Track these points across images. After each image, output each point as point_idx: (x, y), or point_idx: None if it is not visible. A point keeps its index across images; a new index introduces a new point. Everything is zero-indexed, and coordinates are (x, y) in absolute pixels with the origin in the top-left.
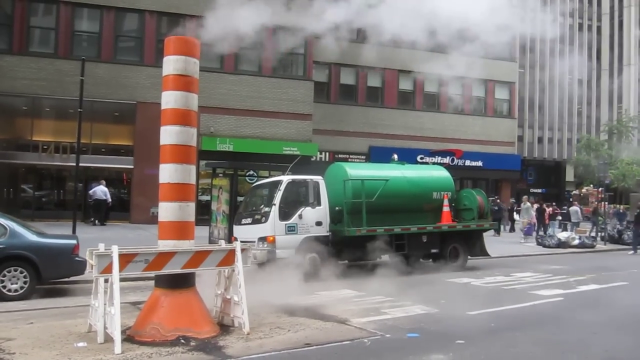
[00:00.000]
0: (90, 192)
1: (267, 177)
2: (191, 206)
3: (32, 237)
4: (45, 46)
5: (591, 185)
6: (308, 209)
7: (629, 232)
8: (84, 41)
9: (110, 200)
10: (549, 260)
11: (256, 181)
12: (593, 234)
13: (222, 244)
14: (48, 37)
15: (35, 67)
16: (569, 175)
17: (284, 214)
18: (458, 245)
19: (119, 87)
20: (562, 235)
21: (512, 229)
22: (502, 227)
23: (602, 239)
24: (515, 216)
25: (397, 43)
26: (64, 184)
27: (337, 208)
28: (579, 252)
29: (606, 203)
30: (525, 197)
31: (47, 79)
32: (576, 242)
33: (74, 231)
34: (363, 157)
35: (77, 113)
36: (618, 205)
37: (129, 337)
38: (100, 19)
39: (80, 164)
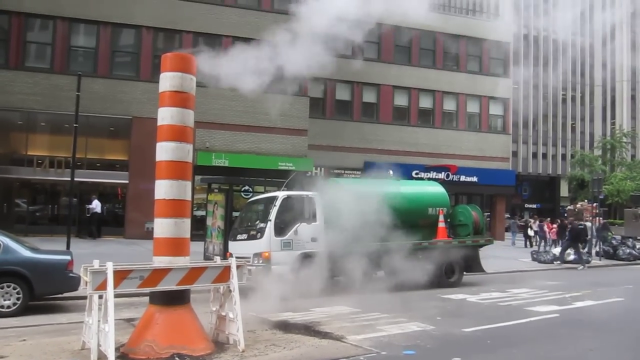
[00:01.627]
0: (93, 205)
1: (262, 193)
2: (187, 222)
3: (26, 253)
4: (41, 61)
5: (585, 201)
6: (304, 224)
7: (623, 248)
8: (80, 56)
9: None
10: (545, 276)
11: (251, 196)
12: (586, 250)
13: (217, 260)
14: (44, 52)
15: (31, 82)
16: (563, 191)
17: (280, 230)
18: (454, 261)
19: (114, 102)
20: (557, 251)
21: (530, 244)
22: None
23: (597, 254)
24: (530, 232)
25: (392, 59)
26: (58, 199)
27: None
28: (574, 268)
29: (601, 218)
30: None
31: (42, 93)
32: (571, 257)
33: (68, 247)
34: (358, 172)
35: (72, 128)
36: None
37: (122, 355)
38: (96, 35)
39: (75, 179)
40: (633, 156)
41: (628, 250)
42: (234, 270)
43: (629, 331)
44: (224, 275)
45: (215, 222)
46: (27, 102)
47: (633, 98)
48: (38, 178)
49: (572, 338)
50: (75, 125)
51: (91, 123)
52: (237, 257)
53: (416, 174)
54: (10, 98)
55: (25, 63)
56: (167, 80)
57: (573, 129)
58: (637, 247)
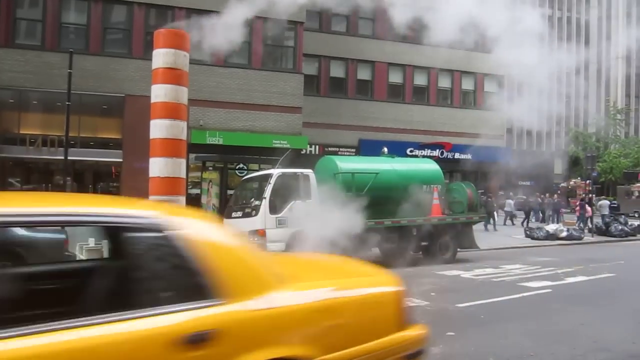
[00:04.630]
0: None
1: (257, 171)
2: (181, 200)
3: (20, 231)
4: (32, 38)
5: (579, 178)
6: (298, 202)
7: (615, 224)
8: (71, 33)
9: None
10: (538, 252)
11: (246, 174)
12: (580, 226)
13: None
14: (35, 29)
15: (22, 60)
16: (557, 168)
17: (275, 208)
18: (448, 237)
19: (107, 80)
20: (550, 227)
21: (543, 220)
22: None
23: (590, 231)
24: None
25: (385, 36)
26: (52, 178)
27: None
28: (567, 244)
29: (594, 195)
30: None
31: (34, 71)
32: (564, 234)
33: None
34: (353, 150)
35: (64, 106)
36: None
37: None
38: (87, 11)
39: (69, 158)
40: (627, 133)
41: (620, 227)
42: None
43: (620, 306)
44: None
45: (210, 200)
46: (18, 80)
47: (627, 75)
48: (31, 157)
49: (564, 313)
50: (67, 103)
51: (83, 101)
52: None
53: (410, 151)
54: (0, 76)
55: (15, 40)
56: (161, 57)
57: (567, 106)
58: (629, 223)
